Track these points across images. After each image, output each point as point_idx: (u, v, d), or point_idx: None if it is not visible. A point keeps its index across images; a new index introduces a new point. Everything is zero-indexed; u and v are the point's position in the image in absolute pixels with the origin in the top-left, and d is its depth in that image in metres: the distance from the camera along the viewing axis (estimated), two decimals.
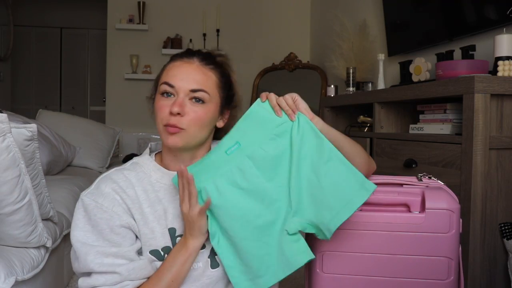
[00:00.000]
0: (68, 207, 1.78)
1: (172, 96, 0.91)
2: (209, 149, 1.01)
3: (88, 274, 0.92)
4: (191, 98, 0.90)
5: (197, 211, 0.88)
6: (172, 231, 0.94)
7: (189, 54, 0.95)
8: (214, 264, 0.96)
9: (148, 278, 0.93)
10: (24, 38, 5.96)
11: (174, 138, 0.90)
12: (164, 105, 0.90)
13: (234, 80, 1.02)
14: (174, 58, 0.96)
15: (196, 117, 0.90)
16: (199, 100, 0.91)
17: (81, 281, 0.92)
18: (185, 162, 0.96)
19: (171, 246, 0.94)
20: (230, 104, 1.01)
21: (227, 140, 0.93)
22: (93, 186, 0.95)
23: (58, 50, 6.23)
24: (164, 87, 0.91)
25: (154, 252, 0.94)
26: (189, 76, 0.91)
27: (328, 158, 0.91)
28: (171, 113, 0.89)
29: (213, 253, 0.95)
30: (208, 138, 0.98)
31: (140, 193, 0.95)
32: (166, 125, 0.90)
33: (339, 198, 0.91)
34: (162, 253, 0.94)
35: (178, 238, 0.94)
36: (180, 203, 0.90)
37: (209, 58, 0.95)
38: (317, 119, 0.96)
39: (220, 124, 0.99)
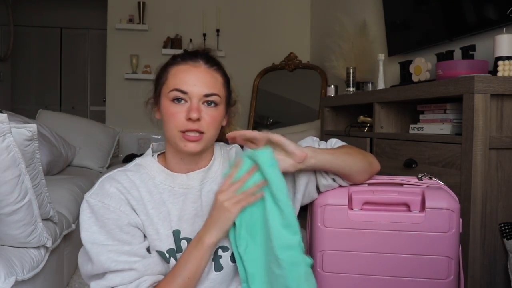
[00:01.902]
0: (68, 207, 1.78)
1: (183, 102, 0.90)
2: (213, 150, 1.01)
3: (101, 276, 0.90)
4: (203, 102, 0.91)
5: (235, 201, 0.89)
6: (176, 233, 0.94)
7: (193, 55, 0.93)
8: (218, 266, 0.96)
9: (164, 276, 0.92)
10: (24, 38, 5.96)
11: (193, 145, 0.90)
12: (177, 112, 0.89)
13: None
14: (176, 60, 0.94)
15: (212, 120, 0.91)
16: (211, 103, 0.91)
17: (95, 285, 0.90)
18: (191, 165, 0.97)
19: (175, 248, 0.94)
20: (230, 102, 1.01)
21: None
22: (96, 186, 0.93)
23: (58, 50, 6.23)
24: (176, 94, 0.89)
25: (159, 253, 0.93)
26: (200, 81, 0.90)
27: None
28: (190, 119, 0.88)
29: (217, 256, 0.95)
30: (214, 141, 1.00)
31: (145, 194, 0.94)
32: (184, 131, 0.89)
33: None
34: (167, 255, 0.93)
35: (183, 241, 0.94)
36: (221, 188, 0.91)
37: (212, 59, 0.95)
38: (309, 152, 0.94)
39: (224, 122, 0.99)
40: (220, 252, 0.95)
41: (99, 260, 0.88)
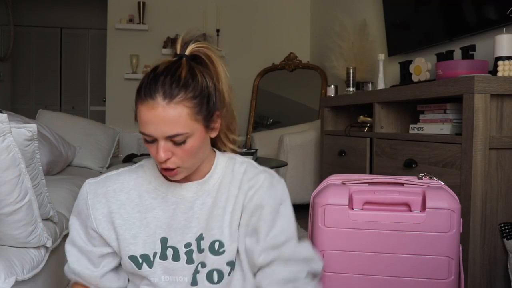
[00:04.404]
0: (68, 207, 1.78)
1: (153, 141, 0.86)
2: (210, 157, 0.97)
3: None
4: (171, 141, 0.85)
5: None
6: (163, 240, 0.93)
7: (151, 92, 0.83)
8: (194, 282, 0.93)
9: None
10: (24, 38, 5.96)
11: (175, 177, 0.89)
12: (151, 148, 0.87)
13: (216, 76, 0.92)
14: (140, 95, 0.86)
15: (184, 154, 0.86)
16: (178, 142, 0.85)
17: None
18: (189, 175, 0.95)
19: (150, 255, 0.92)
20: (215, 113, 0.91)
21: None
22: (99, 178, 0.99)
23: (58, 50, 6.23)
24: (143, 136, 0.87)
25: (132, 258, 0.93)
26: (160, 122, 0.83)
27: None
28: (160, 162, 0.86)
29: (195, 271, 0.93)
30: (208, 153, 0.95)
31: (134, 197, 0.95)
32: (161, 168, 0.88)
33: None
34: (140, 260, 0.93)
35: (169, 249, 0.93)
36: None
37: (173, 87, 0.83)
38: None
39: (213, 134, 0.93)
40: (199, 267, 0.93)
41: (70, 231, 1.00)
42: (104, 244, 0.96)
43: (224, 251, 0.92)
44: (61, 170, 2.55)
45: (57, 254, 1.56)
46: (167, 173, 0.88)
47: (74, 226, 0.99)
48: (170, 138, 0.84)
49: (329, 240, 1.02)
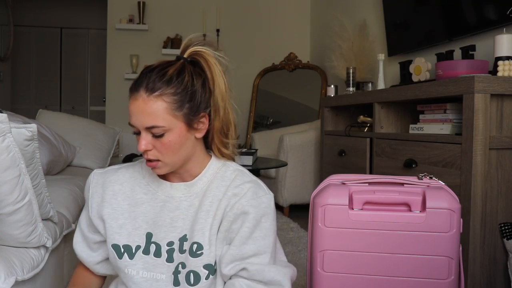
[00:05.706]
0: (68, 207, 1.78)
1: (139, 133, 0.91)
2: (203, 161, 0.98)
3: None
4: (151, 133, 0.89)
5: None
6: (148, 235, 0.95)
7: (137, 84, 0.89)
8: (176, 282, 0.94)
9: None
10: (24, 38, 5.97)
11: (155, 170, 0.93)
12: (137, 139, 0.92)
13: (212, 80, 0.93)
14: (130, 88, 0.92)
15: (163, 148, 0.89)
16: (156, 134, 0.88)
17: None
18: (174, 177, 0.97)
19: (132, 246, 0.94)
20: (200, 112, 0.92)
21: None
22: (105, 169, 1.03)
23: (58, 50, 6.23)
24: (131, 127, 0.92)
25: (115, 247, 0.95)
26: (139, 113, 0.88)
27: None
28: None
29: (177, 271, 0.93)
30: (194, 151, 0.95)
31: (126, 189, 0.99)
32: (144, 158, 0.93)
33: None
34: (122, 250, 0.95)
35: (152, 245, 0.94)
36: None
37: (156, 81, 0.87)
38: None
39: (199, 135, 0.94)
40: (180, 268, 0.93)
41: None
42: (97, 231, 1.01)
43: (202, 254, 0.92)
44: (61, 170, 2.55)
45: (57, 254, 1.56)
46: (148, 164, 0.92)
47: (83, 211, 1.05)
48: (149, 130, 0.89)
49: (329, 240, 1.02)
